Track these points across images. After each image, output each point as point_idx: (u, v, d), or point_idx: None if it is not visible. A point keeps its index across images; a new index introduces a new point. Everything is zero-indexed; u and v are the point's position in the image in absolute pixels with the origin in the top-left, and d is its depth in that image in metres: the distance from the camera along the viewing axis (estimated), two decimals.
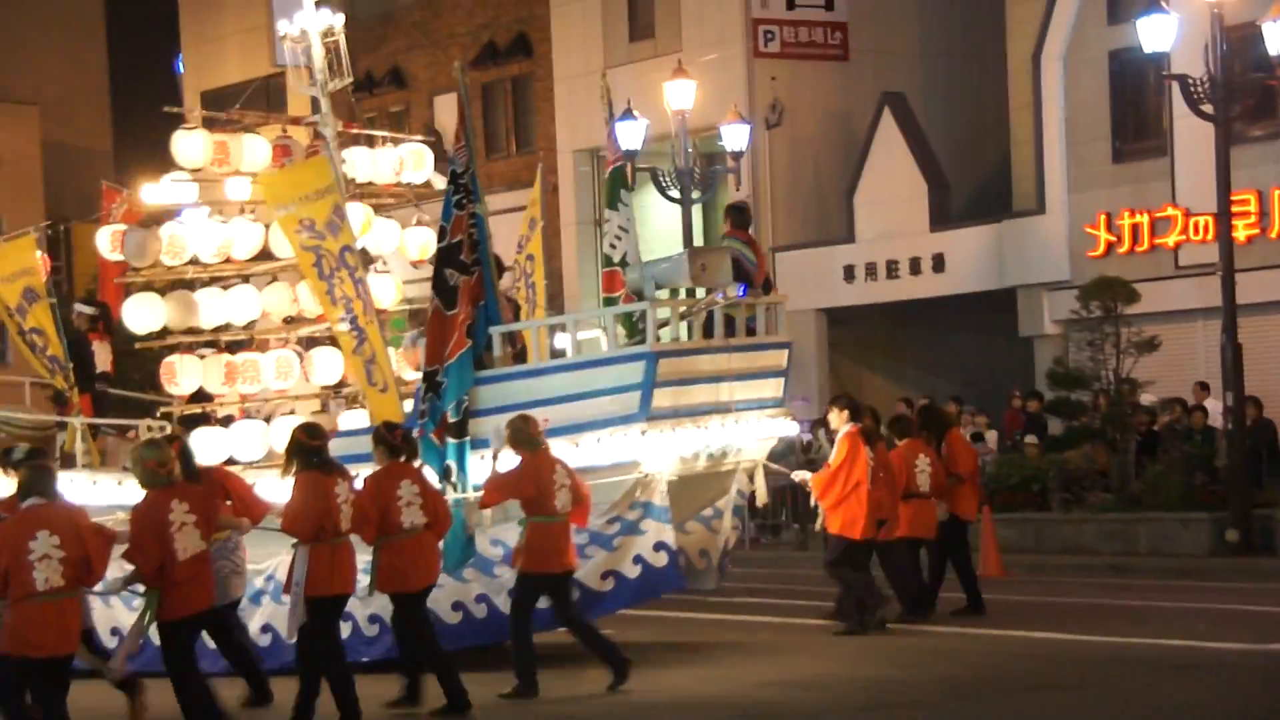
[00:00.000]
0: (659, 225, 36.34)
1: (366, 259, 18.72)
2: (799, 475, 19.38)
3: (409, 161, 20.81)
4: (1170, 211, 29.35)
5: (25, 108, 60.86)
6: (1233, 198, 24.10)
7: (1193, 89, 23.29)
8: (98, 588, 12.70)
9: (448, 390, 16.39)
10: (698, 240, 30.94)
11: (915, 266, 33.14)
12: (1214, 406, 25.09)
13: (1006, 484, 25.73)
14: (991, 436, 28.36)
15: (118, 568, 12.72)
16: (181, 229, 19.61)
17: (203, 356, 19.36)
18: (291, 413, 19.08)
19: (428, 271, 18.10)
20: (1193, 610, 18.18)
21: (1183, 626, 16.71)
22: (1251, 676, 14.08)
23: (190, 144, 20.25)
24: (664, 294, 17.24)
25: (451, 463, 16.36)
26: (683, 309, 17.09)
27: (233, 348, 19.61)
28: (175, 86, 50.30)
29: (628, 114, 30.25)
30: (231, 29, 47.20)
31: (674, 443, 16.41)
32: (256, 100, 46.64)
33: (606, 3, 37.61)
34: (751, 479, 17.88)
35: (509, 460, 15.05)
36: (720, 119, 30.52)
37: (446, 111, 41.91)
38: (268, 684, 14.78)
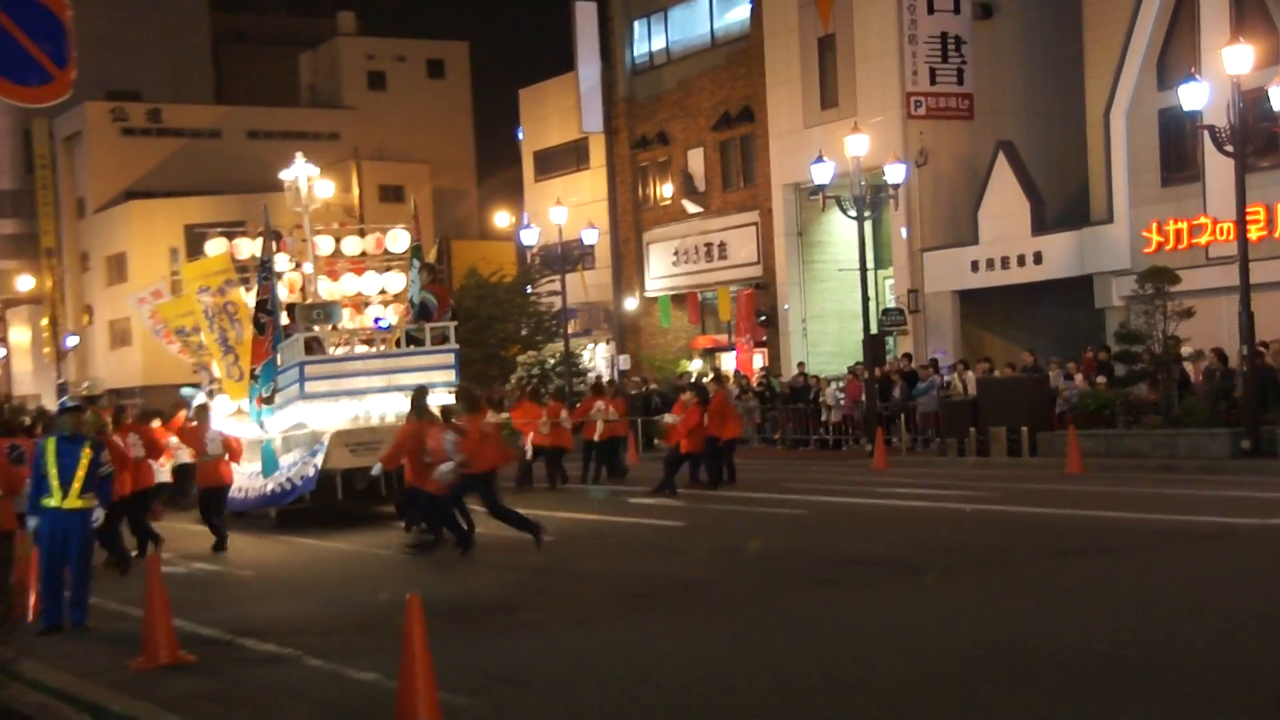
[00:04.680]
0: (842, 235, 36.44)
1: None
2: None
3: (388, 240, 22.43)
4: (1202, 220, 28.72)
5: (420, 165, 62.75)
6: (1247, 210, 23.46)
7: (1218, 135, 22.77)
8: None
9: (260, 380, 19.92)
10: (868, 243, 30.87)
11: (1021, 260, 32.76)
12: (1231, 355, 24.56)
13: (1086, 410, 25.40)
14: (1078, 378, 27.97)
15: None
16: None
17: None
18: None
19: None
20: (1217, 497, 17.89)
21: (1210, 508, 16.52)
22: (1259, 544, 13.89)
23: (214, 244, 22.60)
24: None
25: (265, 419, 19.87)
26: (335, 336, 20.74)
27: None
28: (516, 148, 51.33)
29: (820, 159, 30.44)
30: (553, 109, 48.02)
31: (333, 411, 19.28)
32: (569, 155, 47.70)
33: (805, 83, 37.61)
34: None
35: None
36: (884, 161, 30.48)
37: (695, 161, 42.36)
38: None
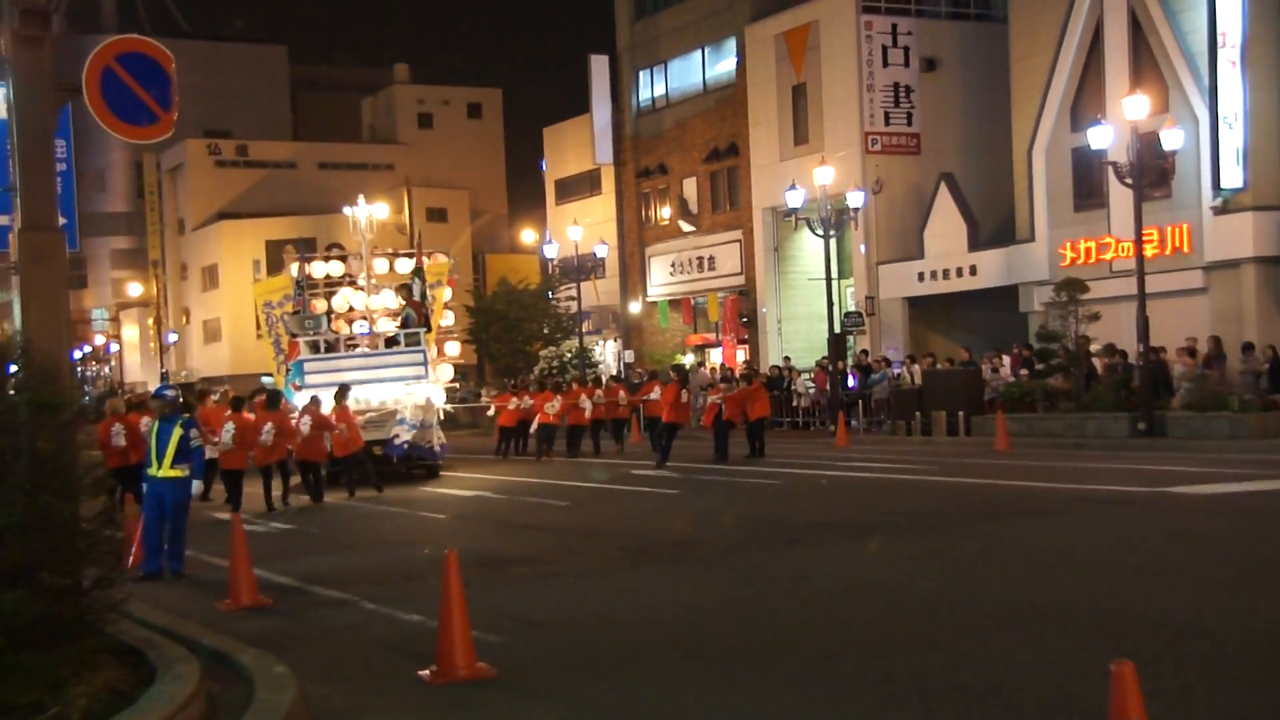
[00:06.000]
0: (810, 251, 36.38)
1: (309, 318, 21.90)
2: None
3: (429, 261, 22.67)
4: (1107, 239, 28.69)
5: (460, 191, 62.65)
6: (1143, 232, 23.48)
7: (1120, 170, 22.78)
8: None
9: (293, 373, 20.57)
10: (833, 257, 30.79)
11: (959, 272, 32.74)
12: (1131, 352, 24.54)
13: (1012, 397, 25.39)
14: (1004, 371, 27.92)
15: None
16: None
17: None
18: None
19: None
20: (1119, 470, 17.83)
21: (1113, 479, 16.46)
22: (1154, 508, 13.82)
23: (295, 265, 22.65)
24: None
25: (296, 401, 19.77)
26: (318, 337, 20.97)
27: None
28: (540, 177, 51.25)
29: (793, 187, 30.39)
30: (571, 144, 47.95)
31: (329, 396, 18.84)
32: (584, 183, 47.61)
33: (781, 124, 37.57)
34: (424, 412, 20.64)
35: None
36: (846, 189, 30.52)
37: (690, 188, 42.31)
38: None
